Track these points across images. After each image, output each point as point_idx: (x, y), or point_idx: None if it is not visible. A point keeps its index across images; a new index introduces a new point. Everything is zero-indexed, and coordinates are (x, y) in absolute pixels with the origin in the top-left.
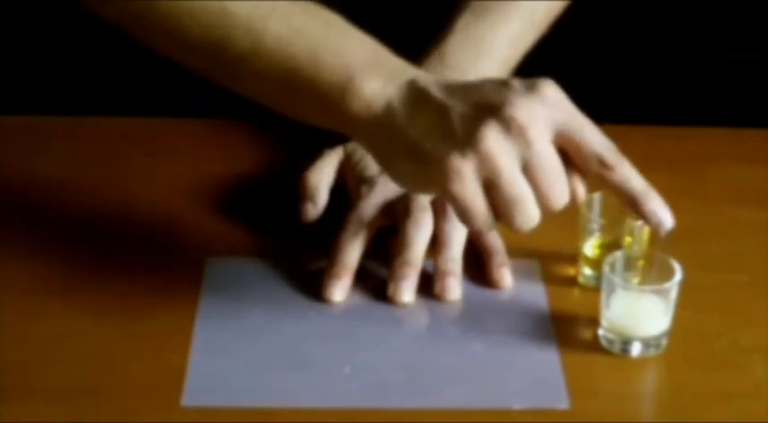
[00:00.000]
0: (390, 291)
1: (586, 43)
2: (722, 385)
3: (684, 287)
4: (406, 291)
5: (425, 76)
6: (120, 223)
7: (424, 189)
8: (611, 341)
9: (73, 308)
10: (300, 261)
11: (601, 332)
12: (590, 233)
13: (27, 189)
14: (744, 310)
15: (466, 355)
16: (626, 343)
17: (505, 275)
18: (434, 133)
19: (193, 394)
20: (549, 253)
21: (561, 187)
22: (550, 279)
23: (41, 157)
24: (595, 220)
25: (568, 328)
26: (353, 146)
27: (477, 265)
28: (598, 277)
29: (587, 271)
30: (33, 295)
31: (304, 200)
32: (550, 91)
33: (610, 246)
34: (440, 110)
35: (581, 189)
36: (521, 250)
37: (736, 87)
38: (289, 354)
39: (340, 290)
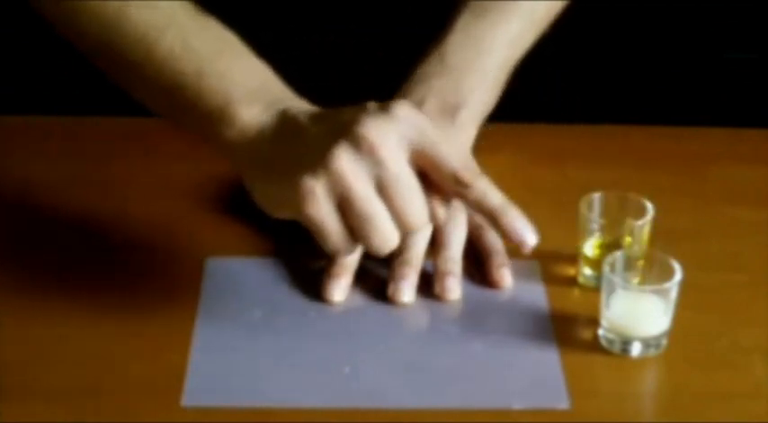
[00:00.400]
0: (390, 291)
1: (586, 43)
2: (722, 385)
3: (684, 287)
4: (406, 291)
5: (300, 106)
6: (120, 223)
7: (285, 212)
8: (611, 341)
9: (73, 308)
10: (300, 261)
11: (601, 332)
12: (590, 233)
13: (27, 189)
14: (744, 310)
15: (466, 355)
16: (626, 343)
17: (505, 276)
18: (291, 158)
19: (193, 394)
20: (549, 253)
21: (417, 205)
22: (550, 279)
23: (41, 157)
24: (595, 220)
25: (568, 328)
26: None
27: (477, 265)
28: (598, 277)
29: (587, 271)
30: (33, 295)
31: None
32: (404, 110)
33: (610, 246)
34: (299, 133)
35: (440, 209)
36: (520, 250)
37: (736, 87)
38: (289, 354)
39: (340, 290)
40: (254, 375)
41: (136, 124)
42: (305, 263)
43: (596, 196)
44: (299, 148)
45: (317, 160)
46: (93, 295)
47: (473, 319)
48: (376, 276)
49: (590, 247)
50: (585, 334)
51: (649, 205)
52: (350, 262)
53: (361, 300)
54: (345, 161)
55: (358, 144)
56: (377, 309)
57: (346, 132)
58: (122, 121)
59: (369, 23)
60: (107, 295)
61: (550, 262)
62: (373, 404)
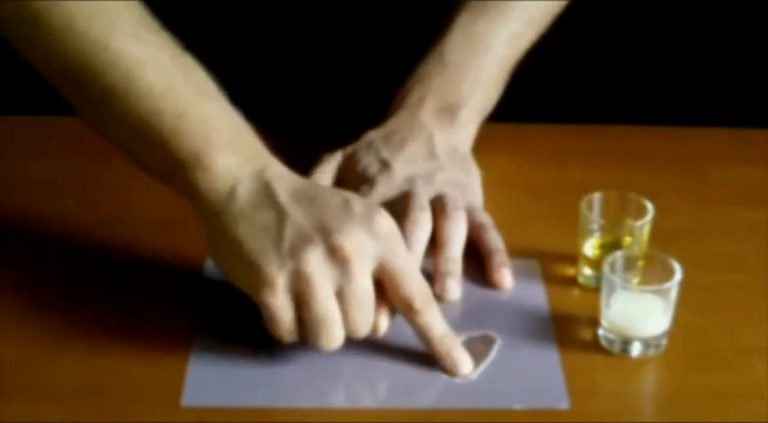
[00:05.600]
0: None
1: (586, 43)
2: (722, 385)
3: (684, 287)
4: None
5: (277, 169)
6: (120, 223)
7: (241, 286)
8: (611, 341)
9: (73, 308)
10: None
11: (601, 332)
12: (590, 233)
13: (26, 189)
14: (744, 310)
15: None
16: (626, 343)
17: (506, 275)
18: (263, 237)
19: (193, 394)
20: (549, 253)
21: (367, 317)
22: (550, 279)
23: (41, 157)
24: (595, 220)
25: (568, 328)
26: (353, 147)
27: (478, 265)
28: (598, 277)
29: (587, 271)
30: (33, 295)
31: None
32: (386, 228)
33: (610, 246)
34: (278, 215)
35: (383, 321)
36: (521, 250)
37: (736, 87)
38: (288, 354)
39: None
40: (253, 375)
41: None
42: None
43: (596, 196)
44: (275, 232)
45: (289, 253)
46: (94, 295)
47: (473, 319)
48: None
49: (590, 247)
50: (585, 334)
51: (649, 205)
52: None
53: None
54: (315, 265)
55: (333, 252)
56: None
57: (325, 236)
58: None
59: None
60: (107, 295)
61: (550, 262)
62: (373, 404)
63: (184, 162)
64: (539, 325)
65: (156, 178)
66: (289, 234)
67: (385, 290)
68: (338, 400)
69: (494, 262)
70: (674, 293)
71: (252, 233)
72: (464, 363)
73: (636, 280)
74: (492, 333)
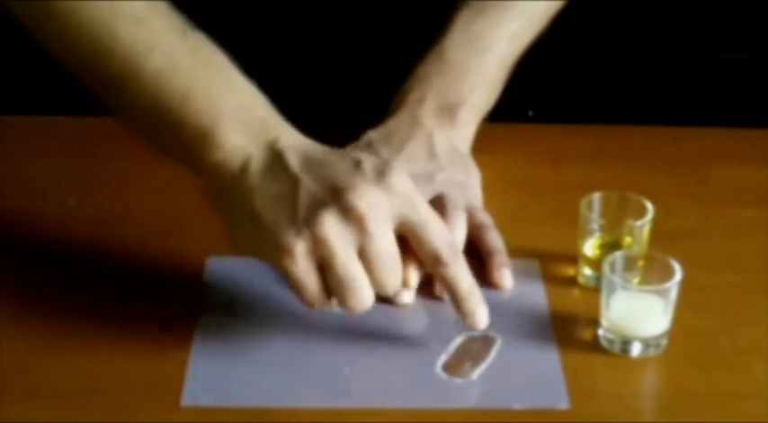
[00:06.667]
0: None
1: (586, 43)
2: (722, 385)
3: (684, 287)
4: (406, 293)
5: (288, 138)
6: (121, 223)
7: (259, 257)
8: (611, 341)
9: (73, 308)
10: None
11: (601, 332)
12: (590, 233)
13: (27, 189)
14: (744, 310)
15: (466, 355)
16: (626, 343)
17: (506, 276)
18: (278, 206)
19: (193, 394)
20: (549, 253)
21: (394, 276)
22: (550, 279)
23: (41, 157)
24: (595, 220)
25: (568, 328)
26: (352, 148)
27: (478, 265)
28: (598, 277)
29: (587, 271)
30: (33, 295)
31: None
32: (399, 181)
33: (610, 246)
34: (290, 183)
35: (413, 276)
36: (521, 250)
37: (736, 88)
38: (289, 354)
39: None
40: (253, 375)
41: None
42: None
43: (596, 196)
44: (289, 200)
45: (304, 219)
46: (94, 295)
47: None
48: None
49: (590, 247)
50: (585, 334)
51: (649, 205)
52: None
53: None
54: (332, 227)
55: (347, 212)
56: (377, 309)
57: (338, 197)
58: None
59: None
60: (107, 295)
61: (550, 262)
62: (373, 404)
63: (196, 142)
64: (539, 325)
65: (173, 160)
66: (303, 200)
67: (410, 246)
68: (338, 400)
69: (494, 262)
70: (674, 293)
71: (267, 205)
72: (483, 320)
73: (636, 280)
74: (492, 333)
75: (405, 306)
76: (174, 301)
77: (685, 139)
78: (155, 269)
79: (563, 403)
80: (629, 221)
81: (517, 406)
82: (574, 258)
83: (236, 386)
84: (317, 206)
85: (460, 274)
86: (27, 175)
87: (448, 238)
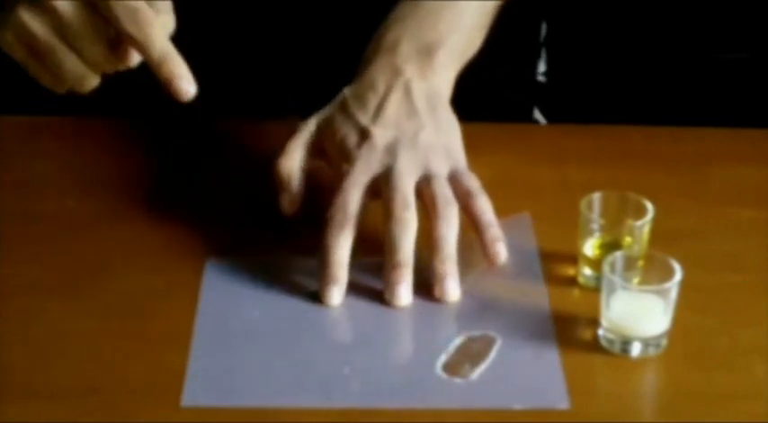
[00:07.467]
0: (387, 297)
1: (586, 43)
2: (722, 385)
3: (684, 287)
4: (403, 295)
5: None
6: (120, 223)
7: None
8: (611, 341)
9: (73, 308)
10: (299, 261)
11: (601, 332)
12: (590, 233)
13: (27, 189)
14: (744, 310)
15: (465, 355)
16: (626, 343)
17: (501, 249)
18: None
19: (193, 394)
20: (549, 253)
21: (90, 48)
22: (550, 279)
23: (41, 157)
24: (595, 220)
25: (568, 328)
26: (328, 112)
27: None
28: (598, 277)
29: (587, 271)
30: (33, 295)
31: (279, 191)
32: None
33: (610, 246)
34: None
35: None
36: (521, 250)
37: (735, 88)
38: (289, 354)
39: (337, 293)
40: (253, 375)
41: (136, 124)
42: (304, 263)
43: (596, 196)
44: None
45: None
46: (93, 295)
47: (473, 319)
48: (375, 276)
49: (590, 247)
50: (585, 334)
51: (649, 205)
52: (341, 261)
53: (360, 300)
54: (26, 16)
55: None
56: (376, 309)
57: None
58: (122, 122)
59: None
60: (107, 295)
61: (550, 262)
62: (373, 404)
63: None
64: (539, 325)
65: None
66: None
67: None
68: (338, 400)
69: (487, 237)
70: (674, 293)
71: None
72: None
73: (636, 280)
74: (492, 333)
75: (404, 306)
76: (174, 302)
77: (685, 139)
78: (154, 269)
79: (563, 403)
80: (629, 221)
81: (517, 406)
82: (574, 258)
83: (236, 386)
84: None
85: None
86: (27, 175)
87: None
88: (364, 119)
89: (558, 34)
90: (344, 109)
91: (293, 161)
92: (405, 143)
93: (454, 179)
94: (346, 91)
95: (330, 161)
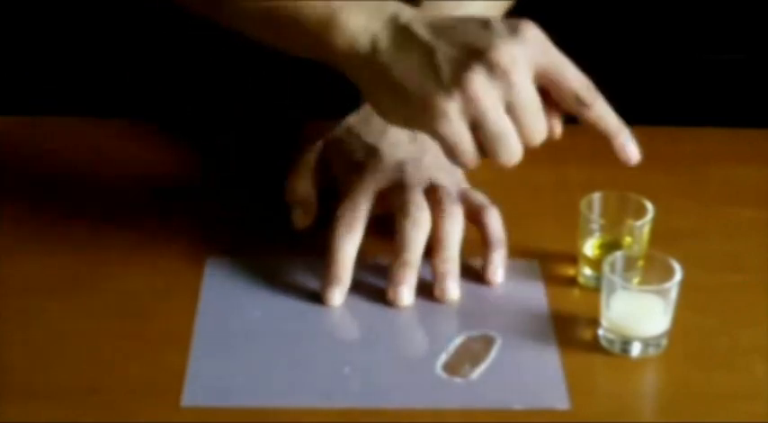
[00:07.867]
0: (390, 295)
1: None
2: (722, 385)
3: (684, 287)
4: (406, 295)
5: (408, 12)
6: (120, 223)
7: (408, 126)
8: (611, 341)
9: (73, 308)
10: (300, 261)
11: (601, 332)
12: (590, 233)
13: (27, 189)
14: (744, 310)
15: (465, 355)
16: (626, 343)
17: (499, 275)
18: (420, 74)
19: (193, 394)
20: (549, 253)
21: (541, 125)
22: (550, 279)
23: (41, 157)
24: (595, 220)
25: (568, 328)
26: (336, 133)
27: (477, 264)
28: (598, 277)
29: (587, 271)
30: (33, 295)
31: (295, 208)
32: (532, 32)
33: (610, 246)
34: (426, 51)
35: (558, 127)
36: (521, 250)
37: (732, 88)
38: (289, 354)
39: (339, 294)
40: (253, 375)
41: (135, 124)
42: (304, 263)
43: (596, 196)
44: (429, 66)
45: (452, 82)
46: (93, 295)
47: (473, 319)
48: (376, 276)
49: (590, 247)
50: (585, 334)
51: (649, 205)
52: (346, 263)
53: (360, 300)
54: (480, 86)
55: (491, 69)
56: (376, 309)
57: (479, 56)
58: (122, 122)
59: None
60: (107, 295)
61: (550, 262)
62: (373, 404)
63: (317, 31)
64: (539, 325)
65: (297, 54)
66: (444, 65)
67: (550, 95)
68: (338, 399)
69: (490, 257)
70: (674, 293)
71: (407, 74)
72: (635, 152)
73: (636, 280)
74: (492, 333)
75: (405, 306)
76: (174, 301)
77: (684, 139)
78: (154, 269)
79: (563, 403)
80: (629, 221)
81: (517, 406)
82: (574, 258)
83: (236, 386)
84: (461, 68)
85: (604, 111)
86: (27, 175)
87: (585, 80)
88: (370, 138)
89: (555, 35)
90: (351, 131)
91: (306, 179)
92: (410, 162)
93: (463, 194)
94: (350, 119)
95: (338, 177)
